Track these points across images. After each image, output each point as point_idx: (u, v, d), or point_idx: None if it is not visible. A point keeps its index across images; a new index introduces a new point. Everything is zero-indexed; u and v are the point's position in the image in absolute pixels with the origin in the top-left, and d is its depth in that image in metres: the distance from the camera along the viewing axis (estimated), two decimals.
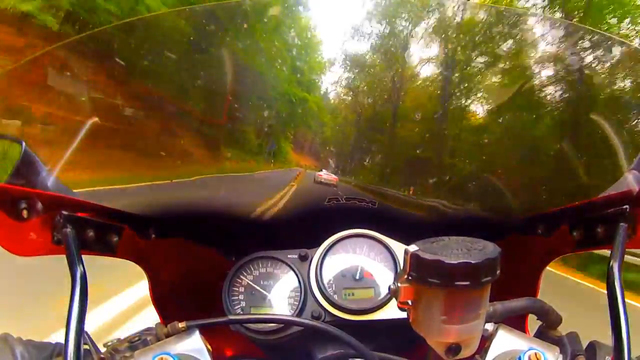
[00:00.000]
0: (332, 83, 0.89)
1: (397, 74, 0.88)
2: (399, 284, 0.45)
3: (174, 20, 0.75)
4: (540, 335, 0.61)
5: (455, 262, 0.39)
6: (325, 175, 0.79)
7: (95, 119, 0.65)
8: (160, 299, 0.81)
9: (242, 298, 0.82)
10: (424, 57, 0.84)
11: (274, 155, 0.87)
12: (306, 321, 0.70)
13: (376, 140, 0.92)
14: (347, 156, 0.88)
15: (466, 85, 0.86)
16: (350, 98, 0.89)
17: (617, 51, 0.70)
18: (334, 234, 0.86)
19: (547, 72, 0.75)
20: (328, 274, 0.83)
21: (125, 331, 0.64)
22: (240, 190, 0.89)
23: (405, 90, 0.88)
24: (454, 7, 0.86)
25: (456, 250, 0.42)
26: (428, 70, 0.90)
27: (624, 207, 0.55)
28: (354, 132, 0.89)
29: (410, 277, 0.43)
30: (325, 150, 0.91)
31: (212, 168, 0.86)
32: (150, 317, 0.75)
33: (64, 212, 0.55)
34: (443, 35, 0.86)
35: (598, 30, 0.67)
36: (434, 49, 0.86)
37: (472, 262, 0.39)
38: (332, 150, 0.88)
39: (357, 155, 0.86)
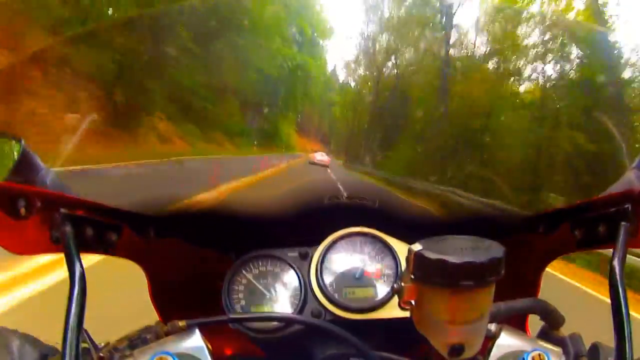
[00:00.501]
0: (343, 40, 0.69)
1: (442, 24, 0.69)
2: (403, 284, 0.45)
3: None
4: (543, 336, 0.61)
5: (460, 261, 0.39)
6: (319, 157, 0.76)
7: (94, 115, 0.64)
8: (160, 297, 0.81)
9: (242, 296, 0.82)
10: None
11: (259, 135, 0.75)
12: (307, 319, 0.69)
13: (398, 122, 0.77)
14: (357, 141, 0.77)
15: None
16: (365, 66, 0.71)
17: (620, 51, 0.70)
18: (334, 232, 0.85)
19: (556, 72, 0.72)
20: (329, 273, 0.83)
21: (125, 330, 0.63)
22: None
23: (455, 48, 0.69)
24: None
25: (460, 250, 0.42)
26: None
27: (626, 206, 0.55)
28: (370, 110, 0.76)
29: (413, 277, 0.43)
30: (333, 134, 0.79)
31: (186, 148, 0.74)
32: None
33: (63, 211, 0.54)
34: None
35: (601, 28, 0.66)
36: None
37: (477, 261, 0.39)
38: (339, 133, 0.78)
39: (370, 141, 0.75)
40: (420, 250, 0.42)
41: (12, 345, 0.47)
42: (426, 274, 0.41)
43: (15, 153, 0.56)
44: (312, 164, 0.76)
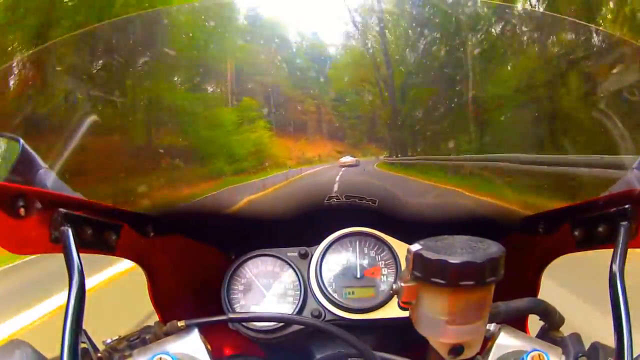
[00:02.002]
0: None
1: None
2: (402, 284, 0.45)
3: None
4: (543, 336, 0.61)
5: (460, 261, 0.39)
6: (344, 159, 0.73)
7: (88, 116, 0.63)
8: (160, 297, 0.81)
9: (242, 296, 0.82)
10: None
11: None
12: (306, 320, 0.69)
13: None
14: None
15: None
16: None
17: (619, 49, 0.69)
18: (334, 231, 0.85)
19: (552, 68, 0.71)
20: (328, 272, 0.83)
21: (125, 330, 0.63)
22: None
23: None
24: None
25: (460, 250, 0.41)
26: None
27: (626, 206, 0.55)
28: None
29: (413, 277, 0.43)
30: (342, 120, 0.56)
31: None
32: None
33: (62, 210, 0.54)
34: None
35: (603, 29, 0.65)
36: None
37: (477, 261, 0.39)
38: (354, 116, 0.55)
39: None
40: (420, 250, 0.42)
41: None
42: (425, 274, 0.41)
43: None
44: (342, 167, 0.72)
